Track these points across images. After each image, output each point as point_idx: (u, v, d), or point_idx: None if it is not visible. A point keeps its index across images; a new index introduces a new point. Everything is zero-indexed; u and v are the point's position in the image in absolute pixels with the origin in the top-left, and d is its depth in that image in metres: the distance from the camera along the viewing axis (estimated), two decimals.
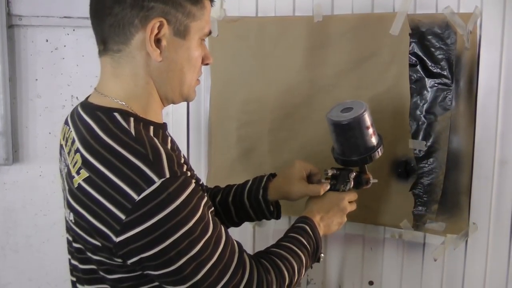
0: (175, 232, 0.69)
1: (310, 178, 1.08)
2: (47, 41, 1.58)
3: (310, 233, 0.95)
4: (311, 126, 1.35)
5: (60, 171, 0.86)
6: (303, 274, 0.91)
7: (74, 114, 0.83)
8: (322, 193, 1.03)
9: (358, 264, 1.41)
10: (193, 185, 0.73)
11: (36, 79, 1.60)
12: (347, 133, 1.00)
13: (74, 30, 1.57)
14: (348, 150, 1.03)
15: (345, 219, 1.04)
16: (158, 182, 0.68)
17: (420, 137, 1.26)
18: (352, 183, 1.05)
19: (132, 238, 0.68)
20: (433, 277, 1.33)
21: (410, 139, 1.27)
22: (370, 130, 1.01)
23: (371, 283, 1.40)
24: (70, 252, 0.86)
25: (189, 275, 0.72)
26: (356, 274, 1.41)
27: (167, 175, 0.69)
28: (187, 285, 0.73)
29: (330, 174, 1.06)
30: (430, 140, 1.26)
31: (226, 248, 0.77)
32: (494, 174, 1.25)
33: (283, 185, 1.06)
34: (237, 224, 1.13)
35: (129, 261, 0.71)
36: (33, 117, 1.61)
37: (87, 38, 1.56)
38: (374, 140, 1.02)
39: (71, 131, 0.80)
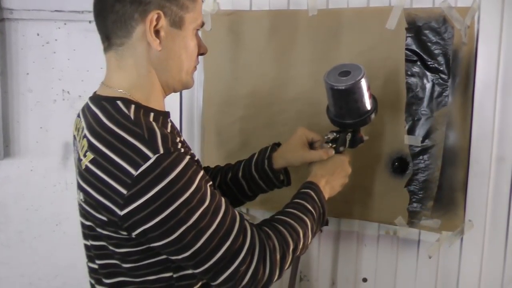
0: (173, 202, 0.75)
1: (312, 145, 1.11)
2: (38, 35, 1.56)
3: (315, 197, 0.97)
4: (306, 120, 1.34)
5: (74, 160, 0.92)
6: (310, 238, 0.93)
7: (84, 107, 0.90)
8: (326, 158, 1.06)
9: (352, 260, 1.40)
10: (186, 160, 0.78)
11: (27, 73, 1.59)
12: (344, 98, 1.01)
13: (65, 24, 1.55)
14: (345, 113, 1.04)
15: (347, 180, 1.07)
16: (153, 157, 0.74)
17: (416, 133, 1.25)
18: (348, 143, 1.08)
19: (134, 211, 0.74)
20: (427, 274, 1.32)
21: (405, 134, 1.25)
22: (367, 94, 1.02)
23: (365, 280, 1.39)
24: (84, 234, 0.91)
25: (190, 243, 0.77)
26: (350, 270, 1.41)
27: (161, 151, 0.75)
28: (189, 252, 0.78)
29: (331, 138, 1.08)
30: (426, 136, 1.24)
31: (226, 217, 0.81)
32: (490, 171, 1.24)
33: (286, 153, 1.10)
34: (252, 198, 1.17)
35: (134, 233, 0.77)
36: (25, 111, 1.60)
37: (79, 32, 1.56)
38: (370, 103, 1.04)
39: (81, 122, 0.87)
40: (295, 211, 0.93)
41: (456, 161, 1.24)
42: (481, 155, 1.23)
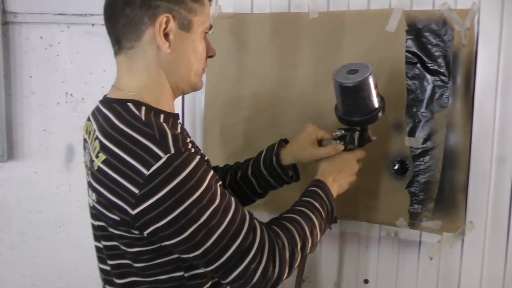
0: (184, 201, 0.76)
1: (320, 143, 1.12)
2: (41, 38, 1.57)
3: (323, 196, 0.98)
4: (308, 121, 1.33)
5: (85, 163, 0.93)
6: (318, 236, 0.94)
7: (95, 110, 0.92)
8: (334, 153, 1.07)
9: (354, 262, 1.40)
10: (197, 159, 0.79)
11: (31, 76, 1.59)
12: (352, 95, 1.02)
13: (68, 27, 1.56)
14: (353, 110, 1.05)
15: (355, 177, 1.08)
16: (164, 157, 0.75)
17: (417, 135, 1.25)
18: (356, 142, 1.09)
19: (146, 210, 0.76)
20: (428, 275, 1.32)
21: (406, 136, 1.26)
22: (374, 92, 1.03)
23: (366, 281, 1.39)
24: (94, 236, 0.93)
25: (201, 241, 0.78)
26: (352, 272, 1.41)
27: (172, 151, 0.76)
28: (201, 251, 0.79)
29: (339, 135, 1.09)
30: (427, 138, 1.24)
31: (236, 215, 0.82)
32: (491, 172, 1.24)
33: (295, 150, 1.11)
34: (262, 195, 1.18)
35: (145, 232, 0.79)
36: (28, 114, 1.61)
37: (81, 35, 1.57)
38: (377, 101, 1.04)
39: (92, 125, 0.89)
40: (303, 209, 0.94)
41: (456, 162, 1.24)
42: (482, 156, 1.23)
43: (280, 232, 0.87)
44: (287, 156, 1.11)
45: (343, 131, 1.09)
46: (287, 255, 0.86)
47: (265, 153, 1.14)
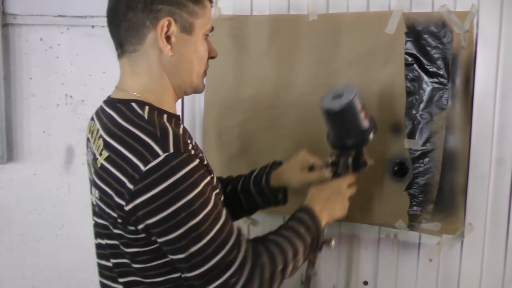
0: (175, 202, 0.76)
1: (312, 169, 1.12)
2: (41, 39, 1.58)
3: (309, 222, 0.97)
4: (307, 124, 1.35)
5: (88, 163, 0.95)
6: (300, 262, 0.94)
7: (98, 110, 0.93)
8: (320, 179, 1.07)
9: (353, 264, 1.40)
10: (195, 162, 0.80)
11: (31, 78, 1.59)
12: (339, 119, 1.03)
13: (68, 28, 1.56)
14: (342, 135, 1.05)
15: (347, 203, 1.07)
16: (162, 155, 0.76)
17: (416, 137, 1.26)
18: (351, 167, 1.09)
19: (138, 206, 0.77)
20: (428, 277, 1.33)
21: (405, 138, 1.26)
22: (362, 114, 1.03)
23: (365, 283, 1.39)
24: (98, 233, 0.94)
25: (187, 245, 0.78)
26: (351, 274, 1.41)
27: (171, 150, 0.77)
28: (185, 254, 0.79)
29: (330, 161, 1.09)
30: (426, 140, 1.25)
31: (224, 227, 0.82)
32: (490, 174, 1.24)
33: (284, 173, 1.12)
34: (248, 213, 1.19)
35: (138, 227, 0.80)
36: (28, 115, 1.61)
37: (81, 37, 1.57)
38: (366, 123, 1.04)
39: (95, 124, 0.90)
40: (287, 234, 0.93)
41: (456, 164, 1.24)
42: (481, 157, 1.24)
43: (263, 253, 0.87)
44: (276, 178, 1.12)
45: (334, 157, 1.08)
46: (267, 275, 0.85)
47: (257, 172, 1.15)
